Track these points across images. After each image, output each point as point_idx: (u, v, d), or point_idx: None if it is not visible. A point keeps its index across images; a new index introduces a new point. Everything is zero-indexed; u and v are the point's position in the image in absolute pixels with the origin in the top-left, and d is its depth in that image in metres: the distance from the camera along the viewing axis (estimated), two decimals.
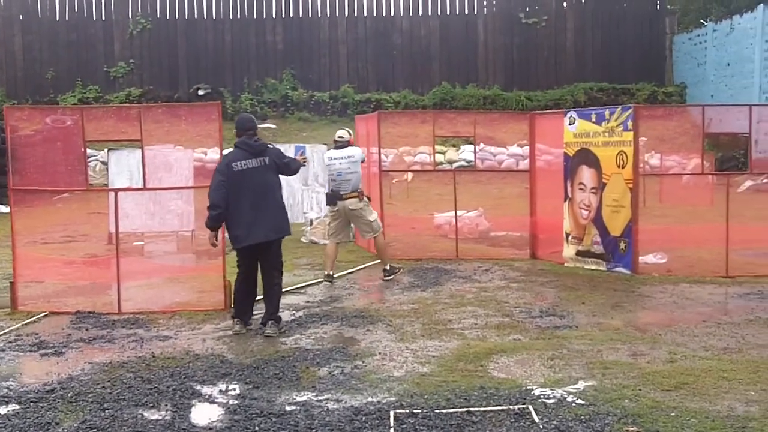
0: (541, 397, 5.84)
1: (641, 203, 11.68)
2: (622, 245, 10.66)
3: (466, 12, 30.68)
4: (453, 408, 5.61)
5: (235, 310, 8.13)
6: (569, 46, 30.89)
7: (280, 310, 8.14)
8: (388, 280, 10.48)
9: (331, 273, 10.44)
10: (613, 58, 30.36)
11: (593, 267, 11.00)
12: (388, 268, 10.62)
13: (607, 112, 11.12)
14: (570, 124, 11.53)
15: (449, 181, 13.29)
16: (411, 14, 30.56)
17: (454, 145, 24.70)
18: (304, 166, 9.09)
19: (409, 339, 7.54)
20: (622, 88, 29.44)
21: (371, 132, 12.84)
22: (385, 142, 13.10)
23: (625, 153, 10.63)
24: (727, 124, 14.71)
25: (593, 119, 11.20)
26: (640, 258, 10.76)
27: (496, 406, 5.65)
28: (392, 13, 30.65)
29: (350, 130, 11.35)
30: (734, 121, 13.20)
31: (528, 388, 6.05)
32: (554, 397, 5.83)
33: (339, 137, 10.88)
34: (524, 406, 5.62)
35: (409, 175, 18.12)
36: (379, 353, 7.09)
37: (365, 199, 10.72)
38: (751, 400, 5.72)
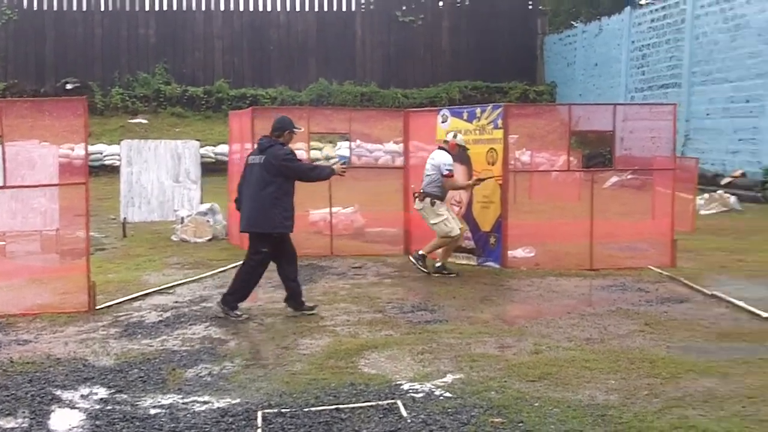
0: (410, 391, 5.88)
1: (512, 199, 11.93)
2: (492, 240, 10.88)
3: (344, 9, 30.83)
4: (322, 406, 5.59)
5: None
6: (445, 45, 31.41)
7: (162, 309, 7.95)
8: (435, 275, 10.45)
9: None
10: (487, 58, 31.01)
11: (464, 261, 11.19)
12: (438, 265, 10.55)
13: (478, 111, 11.32)
14: (442, 122, 11.69)
15: None
16: (288, 9, 30.49)
17: (330, 142, 24.73)
18: (341, 175, 8.88)
19: (280, 338, 7.48)
20: (495, 86, 30.12)
21: (245, 128, 12.66)
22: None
23: (496, 150, 10.86)
24: (595, 122, 15.17)
25: (465, 117, 11.39)
26: (509, 252, 11.01)
27: (365, 402, 5.65)
28: (269, 8, 30.51)
29: (459, 134, 10.88)
30: (602, 120, 13.60)
31: (397, 383, 6.08)
32: (423, 391, 5.88)
33: (444, 140, 10.87)
34: (393, 401, 5.64)
35: None
36: (249, 353, 7.02)
37: (426, 200, 10.43)
38: (611, 388, 5.92)
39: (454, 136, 10.64)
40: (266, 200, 8.19)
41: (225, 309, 8.26)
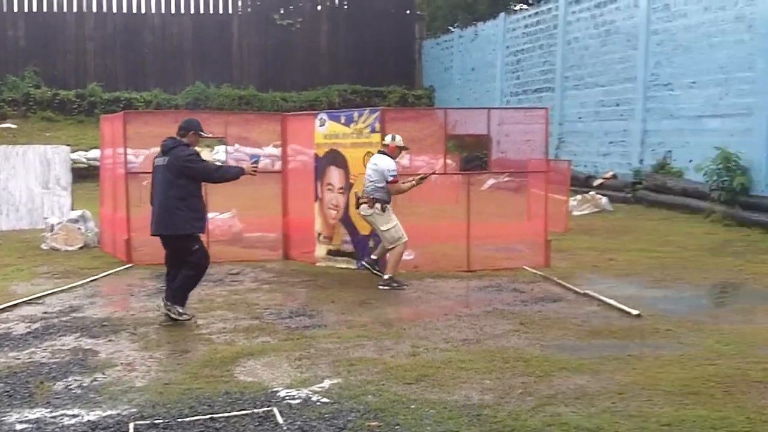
0: (287, 398, 5.81)
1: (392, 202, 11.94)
2: (371, 244, 10.88)
3: (221, 11, 30.48)
4: (196, 416, 5.46)
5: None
6: (324, 49, 31.42)
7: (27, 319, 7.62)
8: (382, 288, 9.84)
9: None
10: (366, 62, 31.18)
11: (344, 266, 11.18)
12: (386, 277, 9.97)
13: (355, 114, 11.33)
14: (320, 126, 11.66)
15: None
16: (163, 11, 29.96)
17: (208, 146, 24.34)
18: (252, 174, 8.62)
19: (154, 347, 7.29)
20: (374, 90, 30.29)
21: (117, 133, 12.33)
22: (135, 142, 12.65)
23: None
24: (472, 126, 15.48)
25: (342, 121, 11.38)
26: (388, 255, 11.01)
27: (240, 410, 5.56)
28: (143, 10, 29.91)
29: (397, 135, 10.40)
30: (478, 123, 13.88)
31: (274, 390, 6.00)
32: (299, 397, 5.83)
33: (382, 141, 10.43)
34: (269, 408, 5.57)
35: None
36: (121, 364, 6.79)
37: (377, 206, 10.00)
38: (486, 388, 5.99)
39: (393, 138, 10.34)
40: (171, 202, 8.07)
41: (177, 311, 8.14)
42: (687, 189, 17.22)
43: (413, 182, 10.39)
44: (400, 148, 10.40)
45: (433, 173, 10.77)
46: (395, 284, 9.92)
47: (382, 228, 10.05)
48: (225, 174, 8.59)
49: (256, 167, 8.69)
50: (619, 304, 8.66)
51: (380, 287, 9.88)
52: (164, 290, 8.47)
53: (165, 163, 8.15)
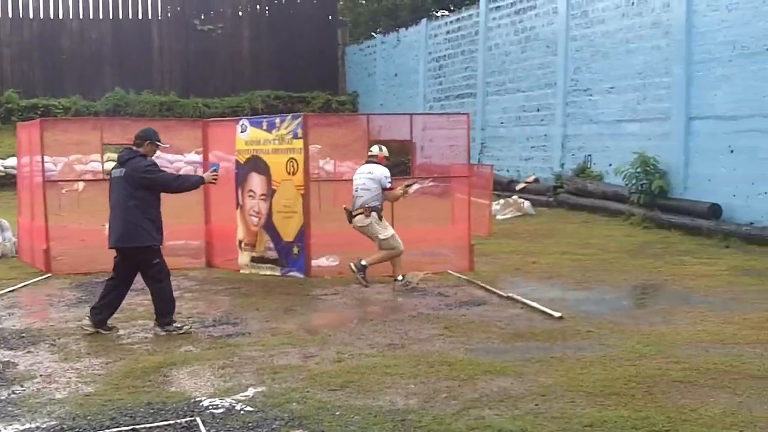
0: (210, 407, 5.74)
1: (317, 209, 11.95)
2: (296, 250, 10.85)
3: (140, 16, 30.06)
4: (117, 427, 5.37)
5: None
6: (246, 55, 31.22)
7: None
8: (353, 272, 10.21)
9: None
10: (289, 67, 31.05)
11: (268, 272, 11.10)
12: (363, 263, 10.19)
13: (277, 120, 11.27)
14: (242, 132, 11.56)
15: None
16: (81, 17, 29.38)
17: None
18: (213, 183, 8.76)
19: (74, 358, 7.12)
20: (298, 96, 30.17)
21: (34, 140, 12.03)
22: (53, 150, 12.35)
23: (296, 160, 10.84)
24: (396, 131, 15.54)
25: (264, 127, 11.31)
26: (313, 261, 11.01)
27: (162, 421, 5.47)
28: (61, 15, 29.27)
29: (383, 146, 10.70)
30: (402, 129, 13.93)
31: (197, 399, 5.92)
32: (223, 406, 5.76)
33: (369, 152, 10.68)
34: (192, 418, 5.49)
35: (81, 185, 17.23)
36: (41, 375, 6.62)
37: (373, 214, 10.16)
38: (411, 393, 6.01)
39: (380, 149, 10.60)
40: (130, 214, 7.93)
41: (166, 329, 7.98)
42: (607, 192, 17.55)
43: (404, 189, 10.65)
44: (387, 158, 10.72)
45: (417, 180, 11.06)
46: (362, 274, 10.16)
47: (381, 236, 10.24)
48: (184, 183, 8.52)
49: (216, 176, 8.73)
50: (541, 307, 8.78)
51: (350, 265, 10.26)
52: (96, 299, 8.32)
53: (122, 175, 8.01)
